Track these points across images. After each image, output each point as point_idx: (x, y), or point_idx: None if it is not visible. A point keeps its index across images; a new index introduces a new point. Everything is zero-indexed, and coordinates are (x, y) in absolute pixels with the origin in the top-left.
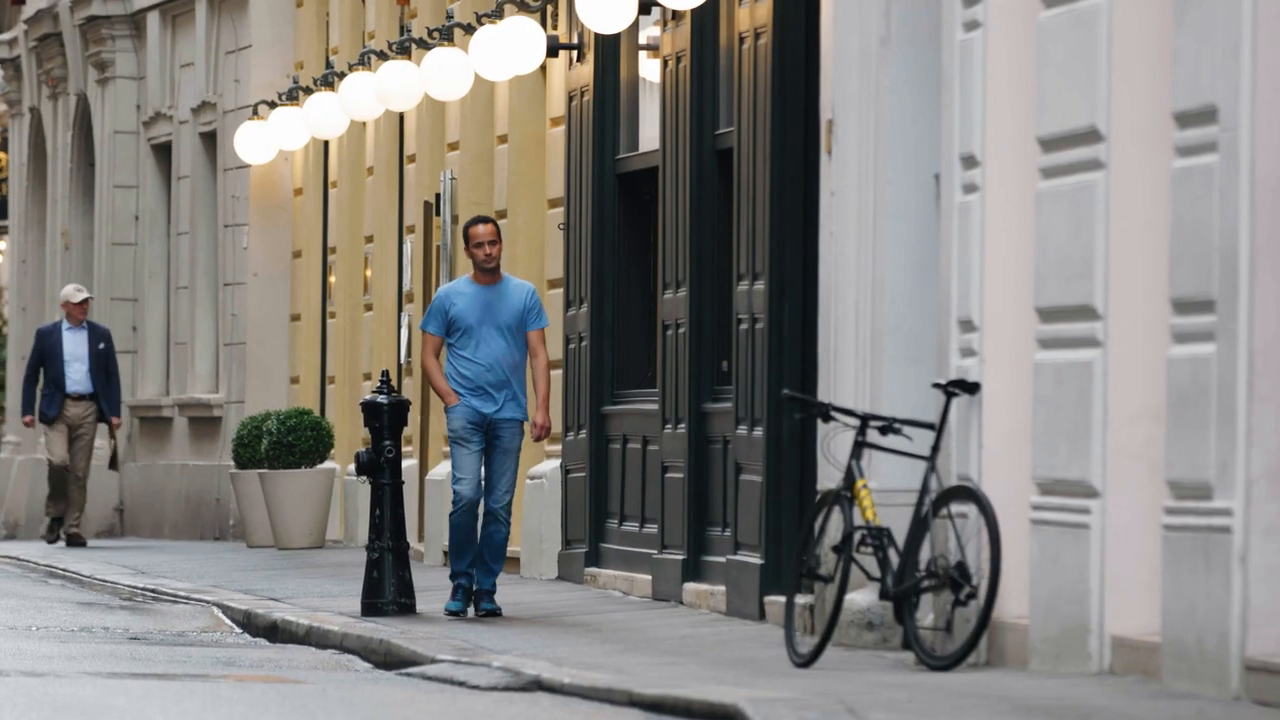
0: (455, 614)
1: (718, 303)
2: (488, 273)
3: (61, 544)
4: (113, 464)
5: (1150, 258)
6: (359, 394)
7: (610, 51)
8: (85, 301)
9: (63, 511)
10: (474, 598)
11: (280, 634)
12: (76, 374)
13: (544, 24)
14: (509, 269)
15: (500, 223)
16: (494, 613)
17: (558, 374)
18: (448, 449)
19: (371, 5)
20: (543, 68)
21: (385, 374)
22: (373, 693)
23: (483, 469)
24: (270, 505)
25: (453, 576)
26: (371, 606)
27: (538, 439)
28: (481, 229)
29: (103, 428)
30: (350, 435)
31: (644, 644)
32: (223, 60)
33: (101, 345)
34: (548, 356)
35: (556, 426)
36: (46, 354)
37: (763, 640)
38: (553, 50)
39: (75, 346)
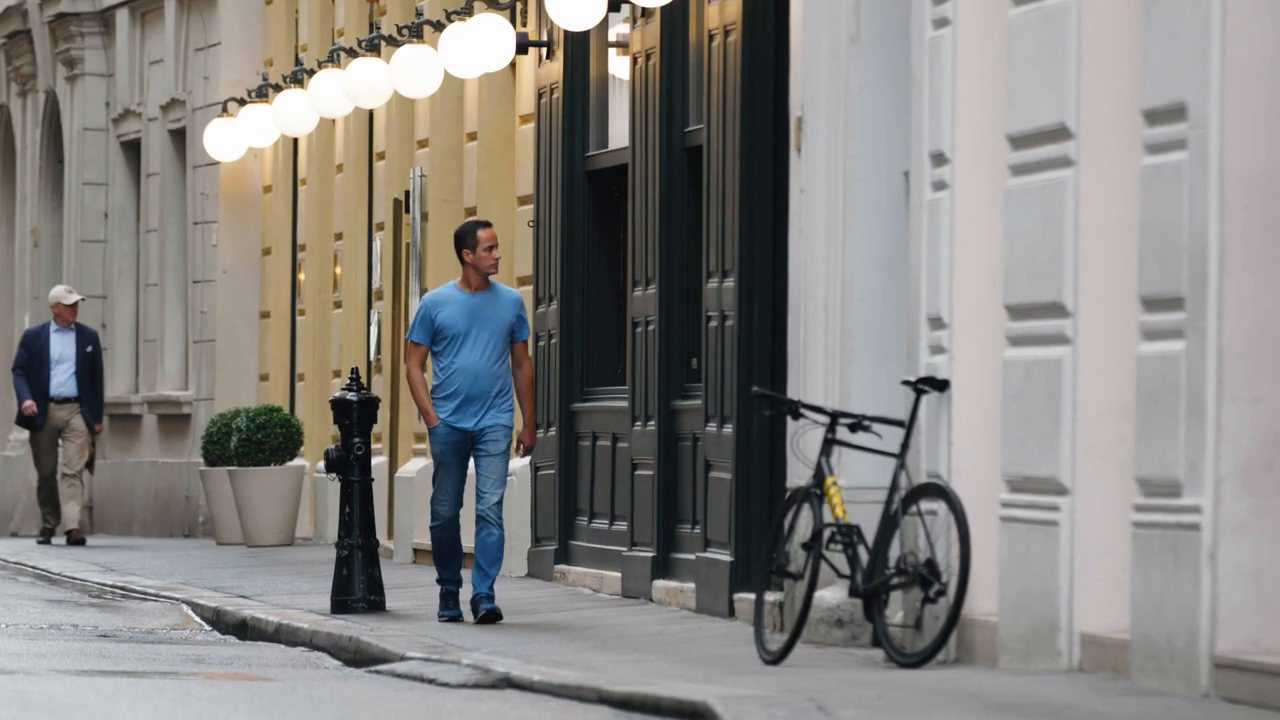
0: (453, 620)
1: (687, 300)
2: (484, 279)
3: (61, 543)
4: (88, 467)
5: (1119, 255)
6: (328, 391)
7: (580, 49)
8: (76, 304)
9: (56, 520)
10: (472, 601)
11: (250, 631)
12: (61, 375)
13: (513, 21)
14: None
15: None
16: (494, 613)
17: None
18: (425, 447)
19: (341, 3)
20: (512, 65)
21: (355, 371)
22: (342, 690)
23: (466, 477)
24: (239, 502)
25: (440, 582)
26: (341, 604)
27: (525, 454)
28: (488, 233)
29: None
30: (320, 433)
31: (613, 641)
32: (192, 57)
33: (89, 348)
34: (532, 369)
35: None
36: (33, 357)
37: (732, 637)
38: (522, 48)
39: (63, 349)
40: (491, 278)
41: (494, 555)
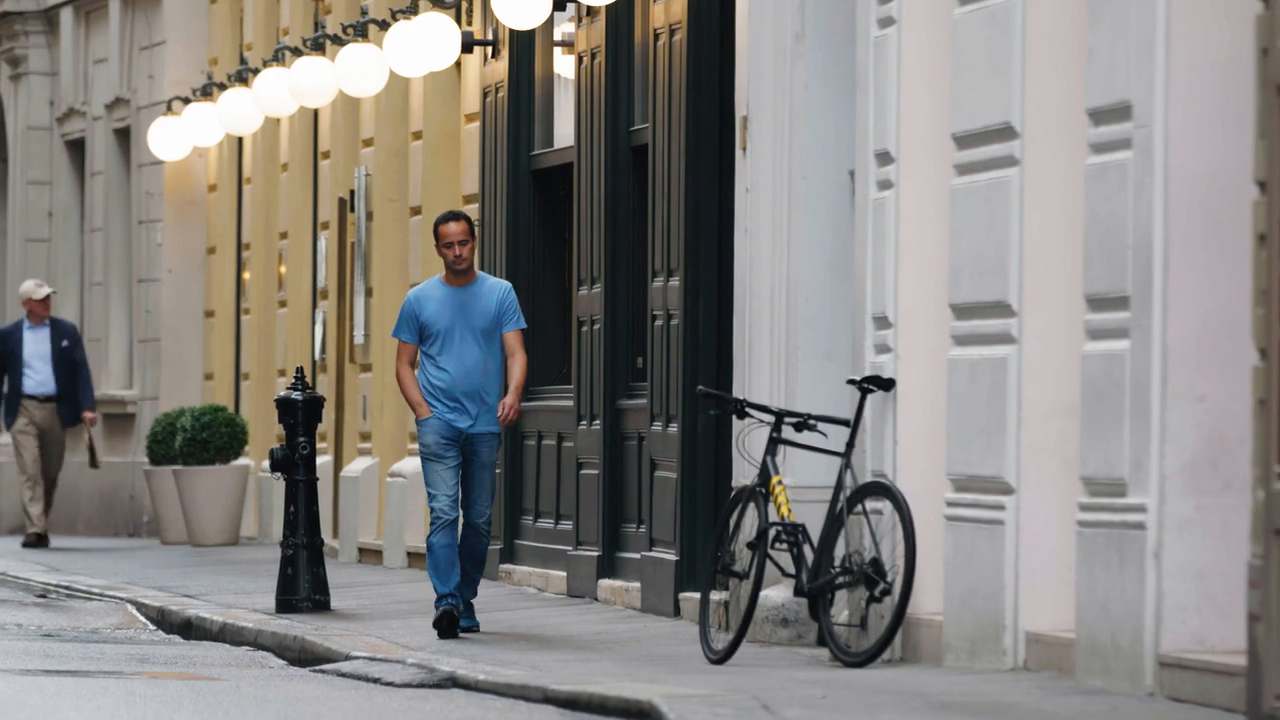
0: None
1: (632, 299)
2: (459, 274)
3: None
4: (93, 462)
5: (1065, 254)
6: (273, 390)
7: (525, 48)
8: (47, 297)
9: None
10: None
11: (194, 631)
12: (39, 374)
13: (459, 20)
14: (424, 265)
15: (413, 220)
16: (473, 629)
17: None
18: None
19: (286, 1)
20: (457, 64)
21: (300, 370)
22: (287, 689)
23: (460, 474)
24: (184, 502)
25: (439, 602)
26: (286, 603)
27: (504, 423)
28: (452, 227)
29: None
30: (265, 432)
31: (559, 640)
32: (137, 56)
33: (65, 343)
34: (525, 357)
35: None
36: (7, 356)
37: (678, 637)
38: (467, 46)
39: (36, 345)
40: (481, 269)
41: (479, 561)
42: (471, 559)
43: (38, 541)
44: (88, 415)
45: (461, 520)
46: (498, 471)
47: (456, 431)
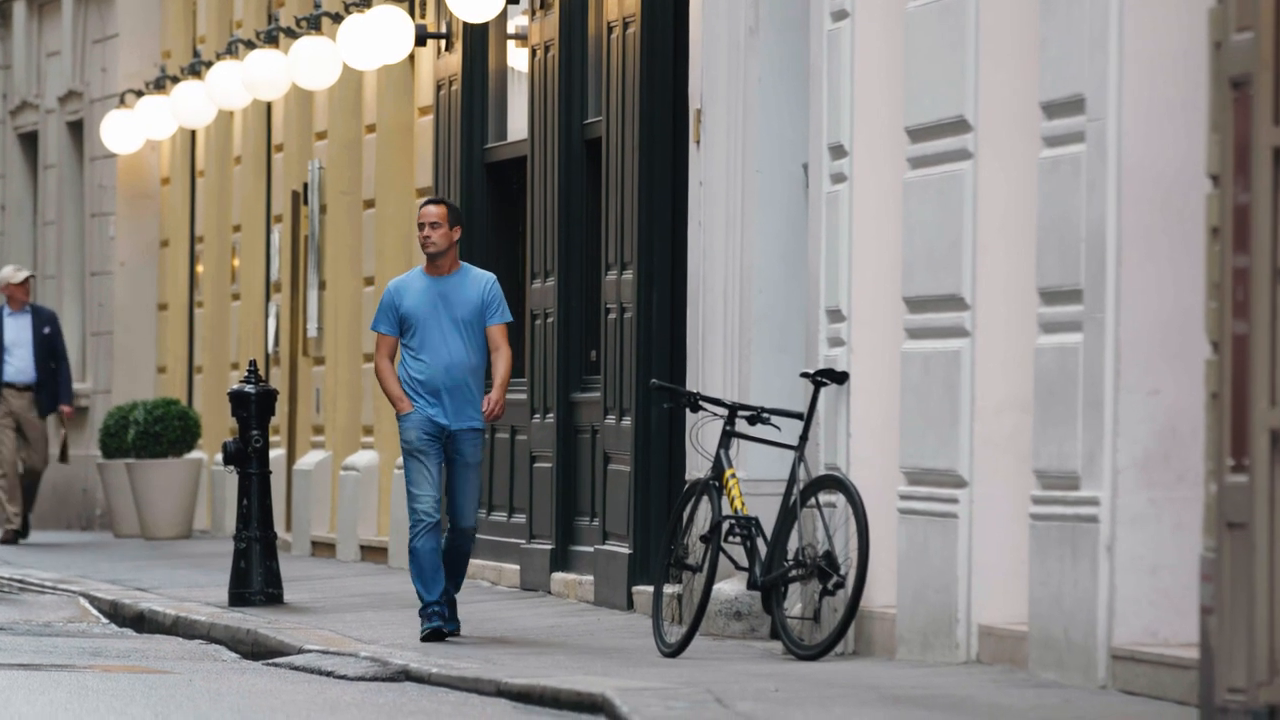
0: (434, 635)
1: (586, 292)
2: (436, 262)
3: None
4: (63, 456)
5: (1018, 247)
6: (226, 384)
7: (478, 41)
8: (26, 281)
9: (27, 512)
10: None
11: (147, 624)
12: (19, 361)
13: (412, 13)
14: (378, 258)
15: (367, 213)
16: (455, 632)
17: None
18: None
19: None
20: (411, 57)
21: (253, 364)
22: (240, 683)
23: (443, 473)
24: (137, 495)
25: (424, 610)
26: (239, 597)
27: (490, 418)
28: (429, 209)
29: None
30: (218, 425)
31: (512, 634)
32: (89, 49)
33: (46, 330)
34: (510, 352)
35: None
36: None
37: (631, 630)
38: (421, 39)
39: (17, 332)
40: (464, 261)
41: (464, 564)
42: (455, 563)
43: (14, 539)
44: (65, 409)
45: (448, 526)
46: None
47: (438, 427)
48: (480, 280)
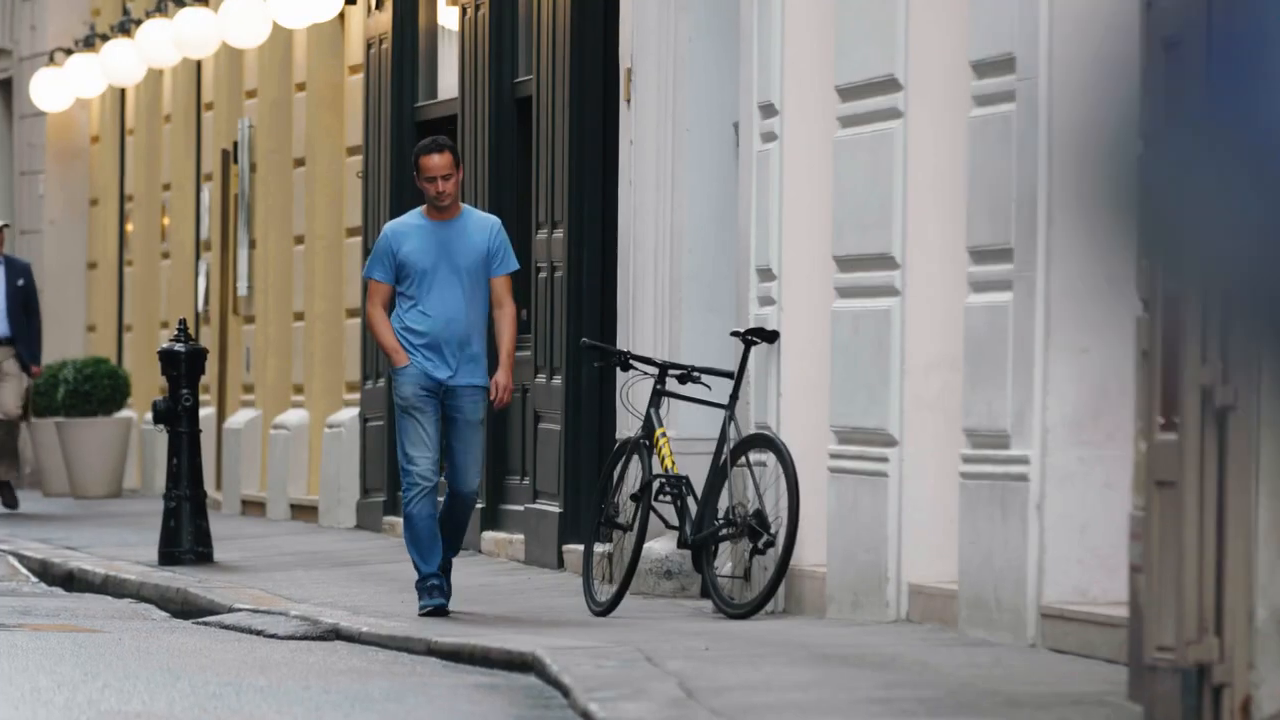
0: (436, 611)
1: (517, 251)
2: (443, 209)
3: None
4: (25, 415)
5: (948, 206)
6: (156, 342)
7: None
8: (1, 230)
9: (8, 471)
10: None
11: (77, 583)
12: None
13: None
14: (308, 217)
15: (297, 172)
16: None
17: (356, 323)
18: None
19: None
20: (341, 15)
21: (183, 322)
22: (169, 641)
23: (440, 432)
24: (67, 454)
25: (421, 583)
26: (169, 555)
27: (499, 405)
28: (436, 160)
29: None
30: (148, 384)
31: None
32: (18, 7)
33: (21, 281)
34: (515, 308)
35: (353, 373)
36: None
37: (561, 589)
38: None
39: None
40: (465, 203)
41: (463, 531)
42: (454, 532)
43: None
44: (35, 370)
45: (446, 491)
46: (379, 424)
47: (436, 383)
48: (485, 225)
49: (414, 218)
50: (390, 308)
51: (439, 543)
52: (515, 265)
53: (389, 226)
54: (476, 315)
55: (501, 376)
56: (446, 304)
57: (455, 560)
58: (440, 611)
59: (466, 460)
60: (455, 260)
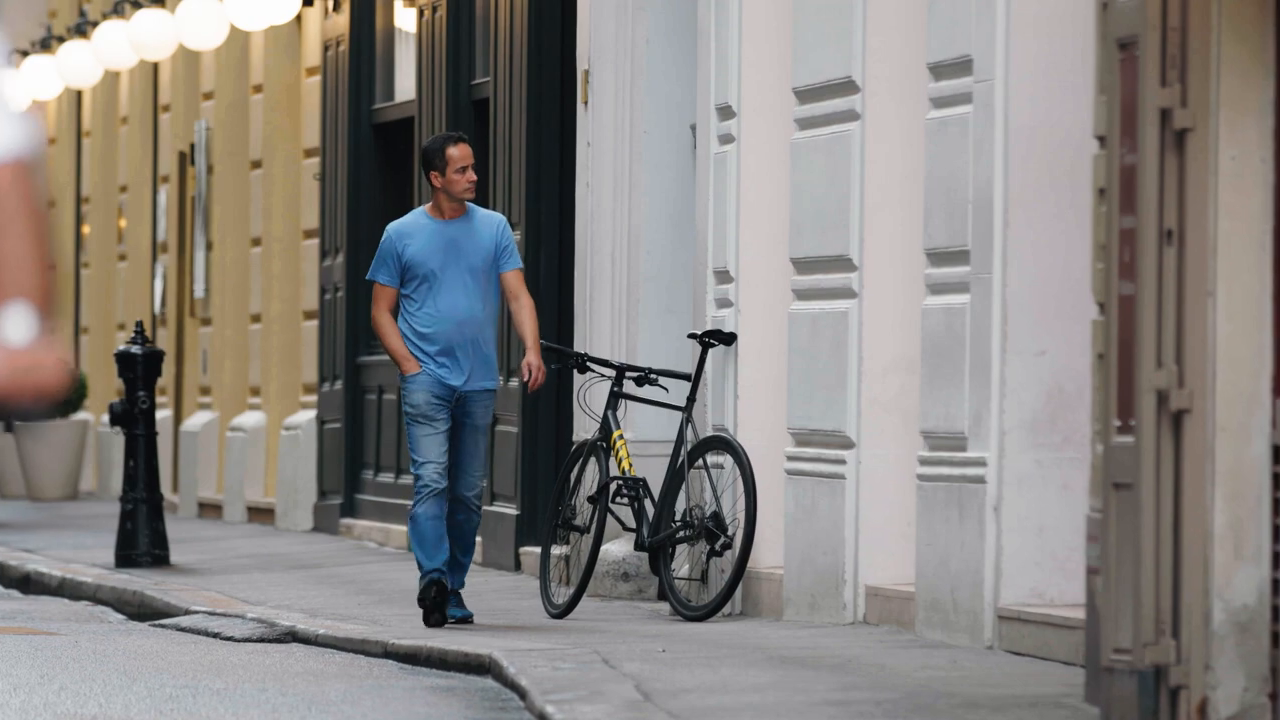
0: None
1: None
2: (458, 204)
3: None
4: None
5: (905, 209)
6: (113, 344)
7: (366, 1)
8: None
9: None
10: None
11: (33, 586)
12: None
13: None
14: (265, 219)
15: (254, 174)
16: (467, 619)
17: (313, 325)
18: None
19: None
20: (298, 17)
21: (139, 324)
22: (126, 644)
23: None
24: (23, 457)
25: (423, 578)
26: (125, 558)
27: (533, 387)
28: (463, 149)
29: None
30: (104, 386)
31: (399, 595)
32: None
33: None
34: (532, 301)
35: (310, 375)
36: None
37: (518, 591)
38: (308, 0)
39: None
40: (469, 201)
41: (469, 543)
42: (461, 540)
43: None
44: None
45: (450, 495)
46: (337, 427)
47: (449, 390)
48: (491, 222)
49: (418, 217)
50: (395, 311)
51: (444, 544)
52: (520, 263)
53: (392, 227)
54: (488, 314)
55: (533, 358)
56: (458, 304)
57: (409, 563)
58: (436, 586)
59: (473, 463)
60: (465, 259)
